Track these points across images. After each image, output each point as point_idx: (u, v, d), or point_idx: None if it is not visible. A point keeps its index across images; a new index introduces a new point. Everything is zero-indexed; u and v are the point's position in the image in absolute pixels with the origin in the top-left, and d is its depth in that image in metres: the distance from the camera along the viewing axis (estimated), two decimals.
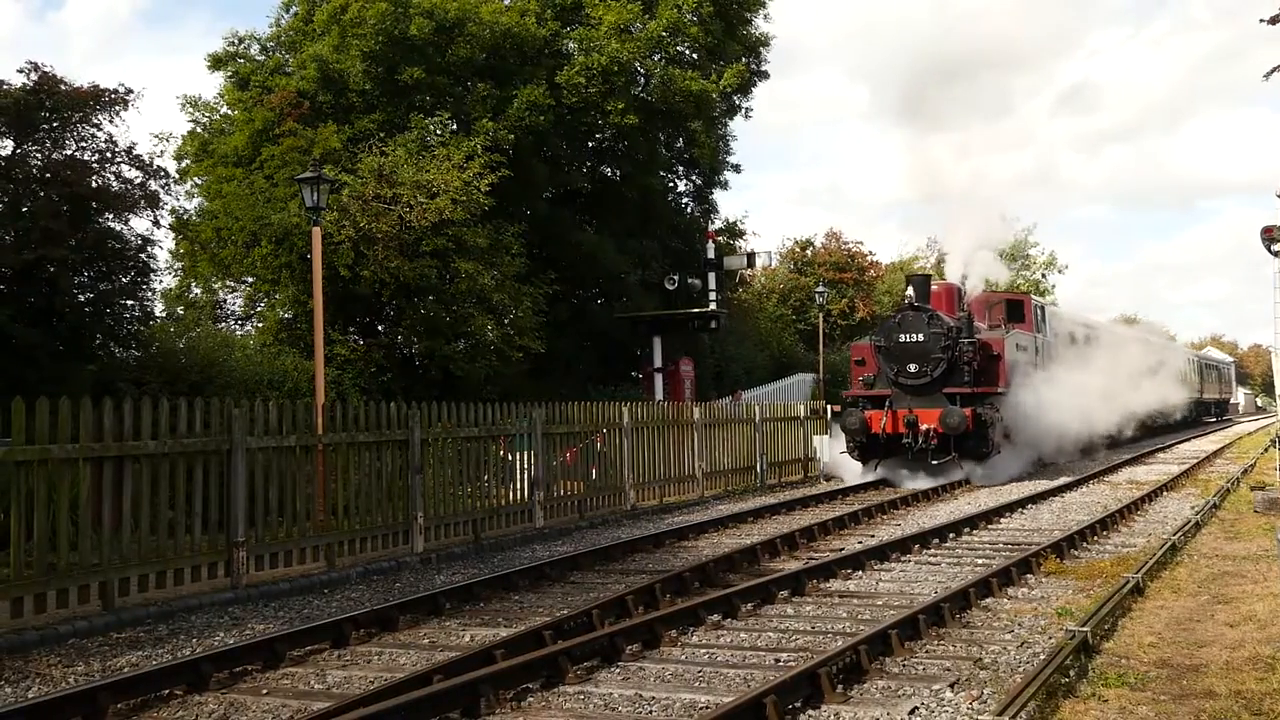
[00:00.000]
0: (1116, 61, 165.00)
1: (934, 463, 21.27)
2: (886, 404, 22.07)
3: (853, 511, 16.19)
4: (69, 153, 16.82)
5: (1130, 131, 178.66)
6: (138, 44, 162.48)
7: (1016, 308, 26.05)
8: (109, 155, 17.08)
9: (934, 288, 23.77)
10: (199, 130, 27.48)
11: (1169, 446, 33.68)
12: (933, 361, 21.87)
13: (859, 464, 22.75)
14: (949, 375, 21.92)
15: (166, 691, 7.32)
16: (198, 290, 26.37)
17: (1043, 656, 7.42)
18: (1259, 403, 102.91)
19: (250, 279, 24.96)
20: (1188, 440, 38.39)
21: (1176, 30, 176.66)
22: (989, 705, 6.50)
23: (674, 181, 34.31)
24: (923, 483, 20.91)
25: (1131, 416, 32.82)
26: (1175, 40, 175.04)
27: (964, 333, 22.15)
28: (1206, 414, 56.87)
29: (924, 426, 21.22)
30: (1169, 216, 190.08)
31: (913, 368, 22.02)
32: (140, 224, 35.59)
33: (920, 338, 22.01)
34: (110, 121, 17.04)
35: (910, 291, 22.98)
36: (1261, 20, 16.91)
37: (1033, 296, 27.00)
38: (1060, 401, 24.46)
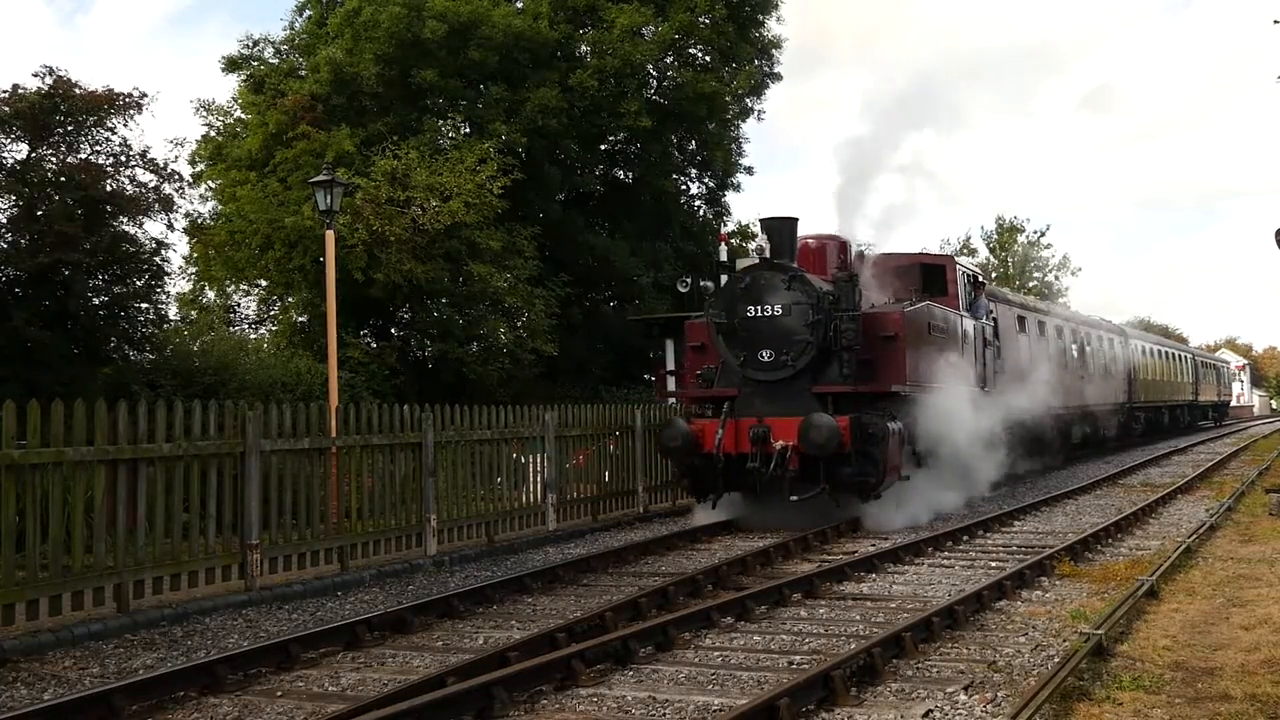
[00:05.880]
0: (1139, 61, 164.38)
1: (793, 498, 14.68)
2: (725, 409, 15.39)
3: None
4: (83, 156, 16.90)
5: (1150, 131, 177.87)
6: (164, 47, 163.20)
7: (936, 275, 18.56)
8: (123, 159, 17.17)
9: (807, 241, 16.69)
10: (213, 134, 27.61)
11: (1184, 449, 33.51)
12: (796, 346, 15.08)
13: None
14: (821, 366, 15.22)
15: (181, 693, 7.35)
16: (211, 294, 26.53)
17: (1057, 659, 7.41)
18: (1274, 405, 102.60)
19: (264, 282, 25.10)
20: (1202, 443, 38.15)
21: (1199, 30, 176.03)
22: (1003, 708, 6.49)
23: (686, 184, 34.37)
24: (786, 526, 14.69)
25: (1098, 420, 29.46)
26: (1198, 40, 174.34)
27: (843, 302, 14.99)
28: (1202, 418, 52.96)
29: (778, 443, 14.53)
30: (1186, 217, 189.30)
31: (766, 355, 15.21)
32: (154, 227, 35.85)
33: (776, 310, 15.20)
34: (124, 125, 17.14)
35: (763, 241, 15.63)
36: (1276, 21, 16.89)
37: (960, 261, 19.86)
38: (997, 406, 18.40)
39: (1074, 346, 27.81)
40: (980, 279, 20.58)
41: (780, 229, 15.75)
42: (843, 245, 17.09)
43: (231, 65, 28.36)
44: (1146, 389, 37.05)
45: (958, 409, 16.63)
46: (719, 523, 15.43)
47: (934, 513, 16.20)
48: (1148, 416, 38.25)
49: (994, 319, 20.50)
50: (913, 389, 15.84)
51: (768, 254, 15.43)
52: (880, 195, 17.54)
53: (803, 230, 16.29)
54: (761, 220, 16.38)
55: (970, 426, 17.09)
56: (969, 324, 18.67)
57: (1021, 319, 23.63)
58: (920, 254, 19.46)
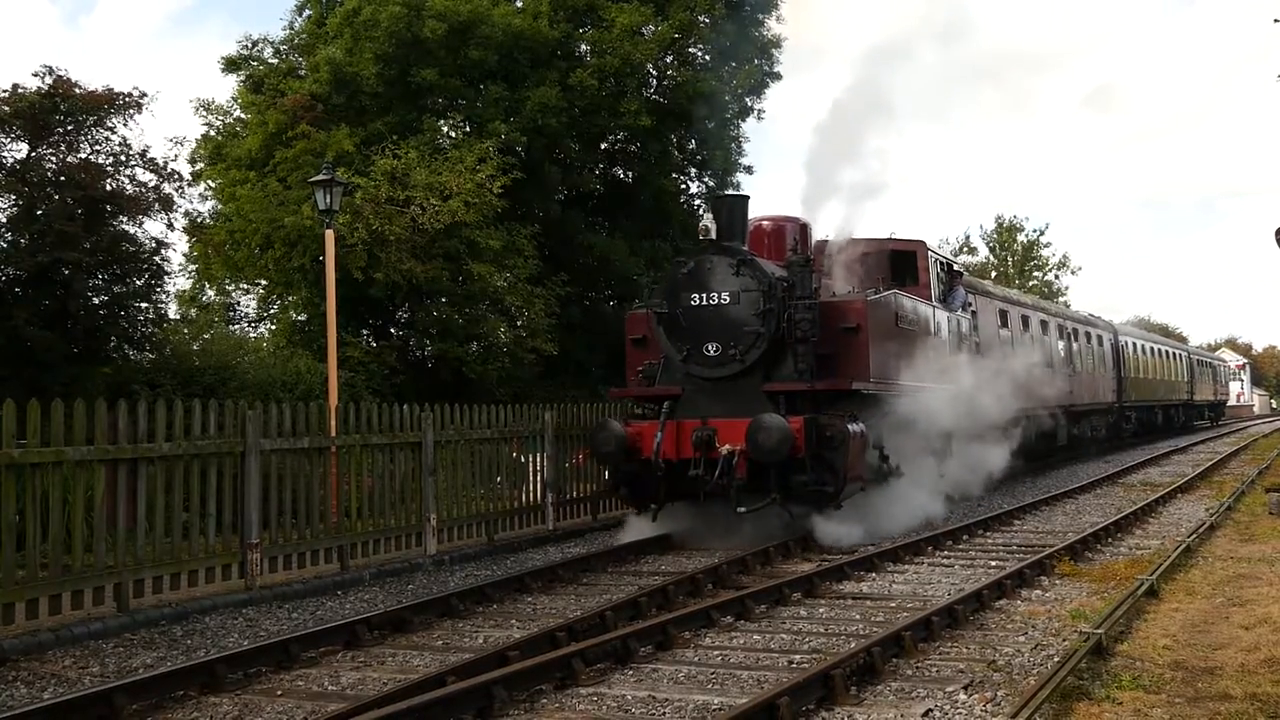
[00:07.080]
0: (1140, 61, 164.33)
1: (740, 510, 13.11)
2: (664, 410, 13.79)
3: None
4: (83, 156, 16.88)
5: (1151, 131, 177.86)
6: (166, 46, 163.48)
7: (905, 262, 17.11)
8: (123, 158, 17.16)
9: (762, 223, 15.31)
10: (213, 133, 27.58)
11: (1184, 449, 33.51)
12: (745, 338, 13.62)
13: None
14: (773, 361, 13.78)
15: (181, 692, 7.35)
16: (211, 293, 26.52)
17: (1057, 659, 7.41)
18: (1274, 404, 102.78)
19: (264, 281, 25.07)
20: (1202, 443, 38.13)
21: (1200, 30, 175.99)
22: (1003, 707, 6.49)
23: (686, 183, 34.33)
24: (732, 542, 13.40)
25: (1086, 420, 28.66)
26: (1199, 40, 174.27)
27: (798, 289, 13.52)
28: (1199, 417, 51.91)
29: (724, 448, 13.02)
30: (1186, 217, 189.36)
31: (712, 349, 13.74)
32: (154, 227, 35.85)
33: (723, 298, 13.72)
34: (124, 125, 17.13)
35: (708, 222, 14.21)
36: (1276, 21, 16.90)
37: (932, 249, 18.05)
38: (973, 406, 16.81)
39: (1060, 343, 27.01)
40: (956, 267, 19.37)
41: (729, 208, 14.32)
42: (803, 228, 15.55)
43: (231, 65, 28.31)
44: (1138, 388, 36.28)
45: (929, 409, 15.34)
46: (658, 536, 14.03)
47: (905, 525, 14.67)
48: (1139, 416, 37.49)
49: (972, 311, 19.38)
50: (877, 387, 14.29)
51: (714, 235, 13.92)
52: (857, 173, 15.73)
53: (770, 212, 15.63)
54: (709, 198, 15.10)
55: (943, 428, 15.97)
56: (942, 316, 17.32)
57: (1003, 312, 22.45)
58: (888, 239, 17.84)
